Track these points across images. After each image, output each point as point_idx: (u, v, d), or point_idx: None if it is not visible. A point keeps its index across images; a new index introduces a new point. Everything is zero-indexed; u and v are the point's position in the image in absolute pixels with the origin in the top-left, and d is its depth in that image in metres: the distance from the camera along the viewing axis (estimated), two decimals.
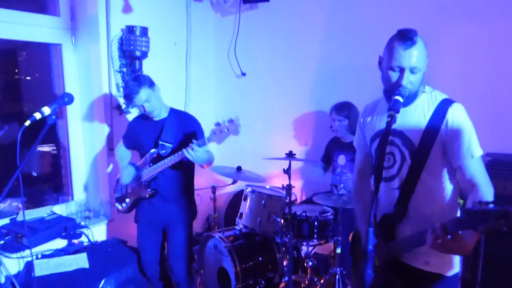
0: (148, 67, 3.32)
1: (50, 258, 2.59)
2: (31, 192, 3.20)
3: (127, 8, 3.23)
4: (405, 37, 1.57)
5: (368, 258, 1.32)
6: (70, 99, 1.71)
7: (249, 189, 3.01)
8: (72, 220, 2.91)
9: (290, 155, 2.73)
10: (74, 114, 3.24)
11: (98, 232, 3.12)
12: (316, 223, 2.82)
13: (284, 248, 2.86)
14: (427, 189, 1.70)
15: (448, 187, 1.72)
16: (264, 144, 3.86)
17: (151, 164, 2.60)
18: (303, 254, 3.12)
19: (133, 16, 3.26)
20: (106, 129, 3.19)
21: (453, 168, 1.68)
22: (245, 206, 2.99)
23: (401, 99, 1.52)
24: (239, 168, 3.24)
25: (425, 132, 1.64)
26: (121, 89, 3.21)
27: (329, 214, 2.87)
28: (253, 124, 3.90)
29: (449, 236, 1.38)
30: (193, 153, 2.33)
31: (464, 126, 1.61)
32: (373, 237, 1.33)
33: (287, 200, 2.74)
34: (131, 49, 3.10)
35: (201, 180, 3.70)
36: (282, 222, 2.76)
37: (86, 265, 2.51)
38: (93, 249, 2.77)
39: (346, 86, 3.39)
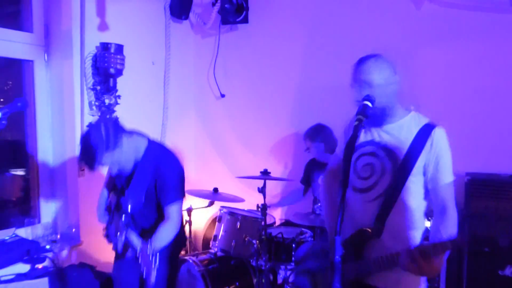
0: (123, 86, 3.26)
1: (8, 284, 2.41)
2: None
3: (103, 26, 3.19)
4: (362, 58, 1.72)
5: (336, 270, 1.22)
6: (23, 104, 1.62)
7: (224, 210, 2.89)
8: (36, 243, 2.75)
9: (265, 174, 2.64)
10: (44, 133, 3.13)
11: (65, 257, 2.95)
12: (293, 245, 2.71)
13: (259, 272, 2.72)
14: (404, 207, 1.69)
15: (421, 207, 1.75)
16: (242, 165, 3.77)
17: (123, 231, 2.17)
18: (281, 279, 2.98)
19: (110, 34, 3.21)
20: (77, 149, 3.06)
21: (427, 189, 1.72)
22: (220, 228, 2.87)
23: (369, 104, 1.52)
24: (215, 190, 3.15)
25: (411, 146, 1.68)
26: (94, 108, 3.13)
27: (307, 235, 2.76)
28: (231, 145, 3.83)
29: (423, 260, 1.47)
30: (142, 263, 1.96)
31: (445, 150, 1.70)
32: (340, 247, 1.23)
33: (262, 221, 2.63)
34: (105, 66, 3.04)
35: None
36: (258, 244, 2.64)
37: None
38: (57, 274, 2.61)
39: (325, 107, 3.36)
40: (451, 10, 2.90)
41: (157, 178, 2.19)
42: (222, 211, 2.91)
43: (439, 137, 1.68)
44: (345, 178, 1.36)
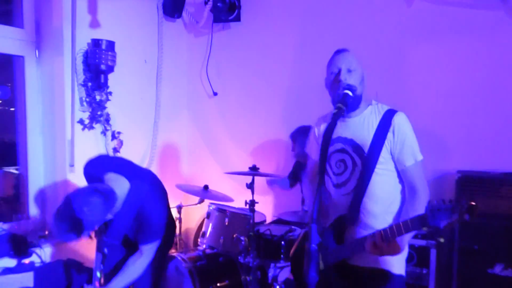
0: (115, 82, 3.26)
1: None
2: None
3: (94, 23, 3.19)
4: (336, 51, 1.87)
5: (312, 258, 1.22)
6: (4, 92, 1.61)
7: (213, 206, 2.88)
8: (23, 238, 2.73)
9: (254, 169, 2.63)
10: (35, 128, 3.12)
11: (52, 252, 2.93)
12: (282, 242, 2.69)
13: (247, 269, 2.70)
14: (376, 193, 1.78)
15: (394, 192, 1.83)
16: (234, 163, 3.76)
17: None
18: (270, 276, 2.95)
19: (102, 31, 3.21)
20: (67, 144, 3.06)
21: (399, 173, 1.82)
22: (208, 225, 2.86)
23: (350, 93, 1.56)
24: (206, 187, 3.14)
25: (374, 138, 1.77)
26: (85, 104, 3.12)
27: (296, 232, 2.74)
28: (223, 143, 3.82)
29: (385, 244, 1.55)
30: None
31: (408, 132, 1.79)
32: (317, 235, 1.22)
33: (251, 218, 2.62)
34: (96, 63, 3.03)
35: None
36: (246, 240, 2.62)
37: (31, 284, 2.33)
38: (43, 269, 2.59)
39: (316, 105, 3.33)
40: (442, 7, 2.89)
41: (138, 222, 2.16)
42: (210, 208, 2.90)
43: (399, 123, 1.76)
44: (322, 166, 1.38)
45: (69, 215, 1.86)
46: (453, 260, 2.71)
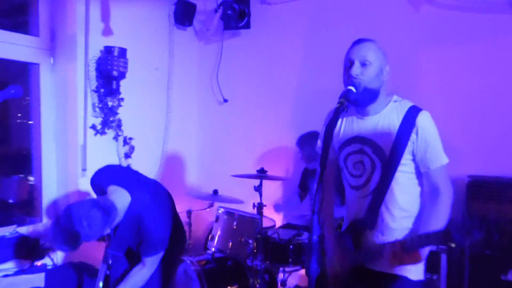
0: (126, 89, 3.32)
1: (5, 278, 2.45)
2: None
3: (107, 31, 3.27)
4: (360, 39, 1.75)
5: (313, 250, 1.22)
6: (17, 91, 1.66)
7: (221, 210, 2.90)
8: (36, 241, 2.78)
9: (262, 172, 2.64)
10: (48, 134, 3.20)
11: (65, 255, 2.97)
12: (291, 246, 2.68)
13: (255, 272, 2.70)
14: (396, 197, 1.70)
15: (414, 194, 1.74)
16: (244, 168, 3.77)
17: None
18: (279, 280, 2.95)
19: (114, 39, 3.29)
20: (79, 149, 3.12)
21: (420, 173, 1.72)
22: (217, 228, 2.87)
23: (353, 89, 1.53)
24: (215, 192, 3.16)
25: (396, 139, 1.65)
26: (97, 110, 3.19)
27: (305, 237, 2.74)
28: (233, 149, 3.85)
29: (405, 254, 1.51)
30: None
31: (433, 133, 1.68)
32: (318, 226, 1.23)
33: (259, 220, 2.63)
34: (108, 69, 3.10)
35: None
36: (254, 244, 2.63)
37: (42, 285, 2.37)
38: (55, 271, 2.64)
39: (325, 111, 3.33)
40: (449, 12, 2.90)
41: (140, 234, 2.17)
42: (219, 211, 2.92)
43: (424, 123, 1.65)
44: (323, 159, 1.36)
45: (68, 226, 1.88)
46: (465, 266, 2.66)
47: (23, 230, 2.96)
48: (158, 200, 2.29)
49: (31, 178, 3.26)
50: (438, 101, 2.93)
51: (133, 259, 2.30)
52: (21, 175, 3.30)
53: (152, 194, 2.27)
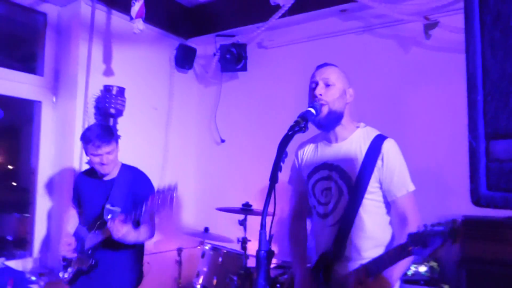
0: (124, 127, 3.41)
1: None
2: None
3: (108, 72, 3.43)
4: (320, 64, 1.81)
5: (261, 265, 1.19)
6: None
7: (208, 246, 2.86)
8: (21, 273, 2.78)
9: (247, 206, 2.63)
10: (45, 171, 3.27)
11: None
12: (278, 285, 2.60)
13: None
14: (364, 225, 1.66)
15: (383, 223, 1.70)
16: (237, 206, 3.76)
17: (96, 231, 2.34)
18: None
19: (116, 79, 3.42)
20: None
21: (388, 203, 1.69)
22: (203, 265, 2.82)
23: (312, 111, 1.55)
24: (206, 229, 3.14)
25: (362, 166, 1.65)
26: None
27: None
28: (228, 188, 3.85)
29: (370, 279, 1.40)
30: (115, 229, 2.10)
31: (398, 161, 1.66)
32: (266, 241, 1.21)
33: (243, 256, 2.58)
34: (106, 106, 3.22)
35: (165, 242, 3.57)
36: (238, 280, 2.56)
37: None
38: None
39: None
40: (437, 53, 2.96)
41: (134, 197, 2.36)
42: (206, 247, 2.88)
43: (389, 150, 1.64)
44: (273, 175, 1.36)
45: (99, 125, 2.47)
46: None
47: (12, 264, 2.97)
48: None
49: (26, 215, 3.30)
50: (429, 139, 2.93)
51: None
52: (13, 208, 3.35)
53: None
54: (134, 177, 2.47)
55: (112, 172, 2.46)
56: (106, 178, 2.46)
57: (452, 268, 2.73)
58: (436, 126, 2.93)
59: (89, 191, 2.50)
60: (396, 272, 1.50)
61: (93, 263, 2.33)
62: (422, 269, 2.67)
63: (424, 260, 2.54)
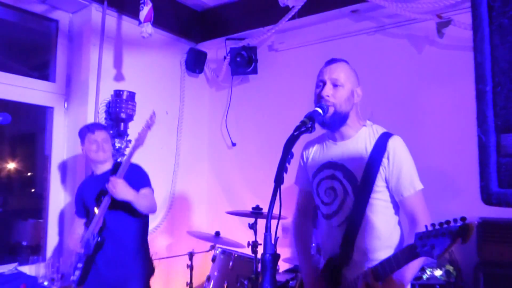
0: (135, 131, 3.39)
1: None
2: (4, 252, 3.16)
3: (119, 77, 3.44)
4: (332, 59, 1.71)
5: (266, 268, 1.16)
6: (5, 118, 1.75)
7: (219, 250, 2.83)
8: (34, 279, 2.79)
9: (257, 209, 2.60)
10: (57, 175, 3.29)
11: None
12: None
13: None
14: (372, 226, 1.60)
15: (391, 223, 1.64)
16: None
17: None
18: None
19: (127, 84, 3.44)
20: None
21: (396, 203, 1.63)
22: (214, 269, 2.79)
23: (320, 111, 1.51)
24: (217, 233, 3.11)
25: (367, 165, 1.59)
26: None
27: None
28: (240, 191, 3.83)
29: (379, 283, 1.34)
30: (111, 185, 2.22)
31: (405, 159, 1.60)
32: (271, 244, 1.17)
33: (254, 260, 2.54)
34: (116, 111, 3.23)
35: (177, 246, 3.56)
36: (249, 285, 2.53)
37: None
38: None
39: None
40: (450, 52, 2.90)
41: (127, 178, 2.40)
42: (216, 251, 2.85)
43: (395, 148, 1.58)
44: (278, 175, 1.32)
45: None
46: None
47: (25, 269, 2.99)
48: None
49: (33, 215, 3.33)
50: (445, 141, 2.86)
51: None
52: (35, 219, 3.39)
53: None
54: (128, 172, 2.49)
55: (105, 165, 2.60)
56: (100, 172, 2.58)
57: (469, 272, 2.65)
58: (450, 126, 2.86)
59: (89, 190, 2.56)
60: (406, 274, 1.43)
61: (100, 240, 2.39)
62: (438, 273, 2.60)
63: (440, 264, 2.47)
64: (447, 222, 1.18)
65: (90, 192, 2.53)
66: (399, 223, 1.67)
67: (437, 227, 1.21)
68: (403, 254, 1.31)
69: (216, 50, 4.09)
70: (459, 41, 2.81)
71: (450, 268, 2.47)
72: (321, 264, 1.75)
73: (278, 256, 1.16)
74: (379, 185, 1.59)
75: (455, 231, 1.15)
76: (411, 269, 1.43)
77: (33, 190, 3.53)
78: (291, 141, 1.35)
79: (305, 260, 1.78)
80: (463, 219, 1.14)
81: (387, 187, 1.60)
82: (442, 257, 1.17)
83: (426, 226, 1.23)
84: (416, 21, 3.01)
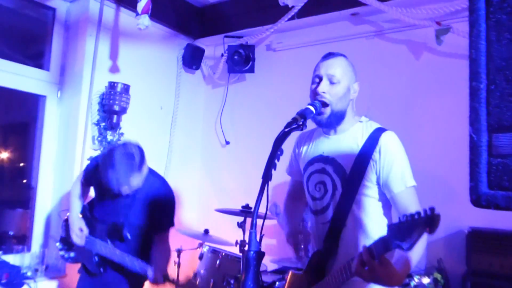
0: (128, 124, 3.39)
1: None
2: None
3: (114, 69, 3.41)
4: (329, 53, 1.66)
5: (249, 266, 1.13)
6: None
7: (206, 248, 2.80)
8: (17, 268, 2.74)
9: (246, 208, 2.57)
10: (47, 166, 3.25)
11: (47, 287, 2.91)
12: None
13: None
14: (358, 222, 1.57)
15: (379, 219, 1.60)
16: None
17: (112, 243, 2.24)
18: None
19: (121, 76, 3.40)
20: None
21: (387, 201, 1.58)
22: (201, 267, 2.76)
23: (312, 108, 1.48)
24: (206, 231, 3.08)
25: (357, 158, 1.56)
26: (96, 142, 3.24)
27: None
28: (232, 190, 3.80)
29: (376, 261, 1.26)
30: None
31: (397, 154, 1.55)
32: (257, 241, 1.15)
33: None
34: (109, 103, 3.19)
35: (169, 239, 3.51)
36: (235, 284, 2.50)
37: None
38: None
39: None
40: (448, 59, 2.89)
41: (156, 206, 2.28)
42: (204, 249, 2.82)
43: (387, 142, 1.54)
44: (266, 172, 1.30)
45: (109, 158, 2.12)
46: None
47: (10, 258, 2.94)
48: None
49: (20, 205, 3.29)
50: (439, 145, 2.85)
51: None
52: (13, 202, 3.34)
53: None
54: (156, 188, 2.35)
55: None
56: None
57: (457, 281, 2.64)
58: (447, 132, 2.85)
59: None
60: (406, 263, 1.37)
61: (102, 271, 2.28)
62: (426, 280, 2.58)
63: (428, 272, 2.46)
64: (418, 213, 1.13)
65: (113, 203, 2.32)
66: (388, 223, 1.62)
67: (409, 218, 1.16)
68: (377, 246, 1.27)
69: (213, 47, 4.07)
70: (458, 49, 2.80)
71: (438, 276, 2.46)
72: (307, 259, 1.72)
73: (263, 254, 1.14)
74: (369, 180, 1.55)
75: (423, 222, 1.11)
76: (407, 262, 1.37)
77: (24, 181, 3.47)
78: (281, 137, 1.33)
79: (289, 218, 1.86)
80: (432, 209, 1.10)
81: (378, 183, 1.55)
82: (411, 249, 1.14)
83: (398, 218, 1.19)
84: (416, 27, 2.99)
